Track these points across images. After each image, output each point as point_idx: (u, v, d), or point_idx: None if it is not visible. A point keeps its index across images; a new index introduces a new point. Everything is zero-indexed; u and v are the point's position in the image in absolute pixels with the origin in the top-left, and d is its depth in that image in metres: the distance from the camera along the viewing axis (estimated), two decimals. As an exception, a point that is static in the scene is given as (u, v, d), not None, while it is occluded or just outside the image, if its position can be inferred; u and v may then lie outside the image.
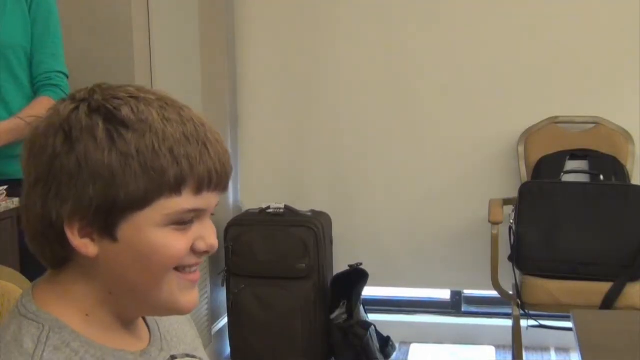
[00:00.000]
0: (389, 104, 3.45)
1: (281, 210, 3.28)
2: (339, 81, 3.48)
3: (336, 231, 3.43)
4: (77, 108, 0.90)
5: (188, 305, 0.96)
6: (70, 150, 0.88)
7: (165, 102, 0.92)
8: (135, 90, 0.92)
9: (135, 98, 0.91)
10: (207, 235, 0.94)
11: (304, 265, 3.17)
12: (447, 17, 3.38)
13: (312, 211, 3.35)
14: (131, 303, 0.95)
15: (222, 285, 3.32)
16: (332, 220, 3.42)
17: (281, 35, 3.51)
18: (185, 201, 0.90)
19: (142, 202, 0.88)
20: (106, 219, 0.89)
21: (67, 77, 2.26)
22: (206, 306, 3.19)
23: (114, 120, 0.88)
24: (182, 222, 0.91)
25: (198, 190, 0.91)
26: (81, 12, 2.51)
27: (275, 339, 3.21)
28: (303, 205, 3.38)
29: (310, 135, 3.53)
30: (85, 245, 0.90)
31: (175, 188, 0.89)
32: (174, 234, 0.91)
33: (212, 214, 0.96)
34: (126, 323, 0.97)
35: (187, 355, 1.05)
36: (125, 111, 0.89)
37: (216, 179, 0.92)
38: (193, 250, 0.93)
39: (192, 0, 3.00)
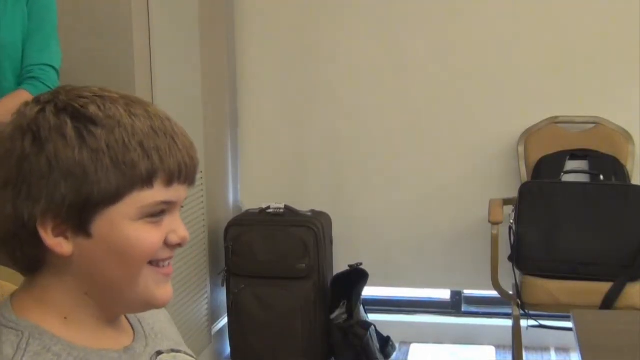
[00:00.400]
0: (389, 104, 3.45)
1: (281, 210, 3.28)
2: (339, 81, 3.48)
3: (336, 231, 3.43)
4: (43, 109, 0.90)
5: (163, 299, 0.97)
6: (40, 150, 0.88)
7: (130, 100, 0.93)
8: (98, 90, 0.94)
9: (100, 97, 0.92)
10: (179, 228, 0.95)
11: (304, 265, 3.17)
12: (447, 17, 3.37)
13: (312, 211, 3.35)
14: (108, 301, 0.95)
15: (222, 285, 3.32)
16: (332, 220, 3.42)
17: (281, 35, 3.51)
18: (157, 194, 0.91)
19: (115, 196, 0.89)
20: (80, 216, 0.89)
21: (55, 70, 2.20)
22: (206, 306, 3.19)
23: (82, 118, 0.89)
24: (154, 214, 0.92)
25: (169, 182, 0.92)
26: (81, 12, 2.51)
27: (275, 339, 3.21)
28: (303, 205, 3.38)
29: (310, 135, 3.53)
30: (59, 244, 0.90)
31: (147, 181, 0.90)
32: (147, 228, 0.92)
33: (181, 206, 0.98)
34: (107, 323, 0.97)
35: (173, 350, 1.05)
36: (93, 109, 0.90)
37: (185, 171, 0.93)
38: (166, 244, 0.95)
39: (192, 0, 3.00)
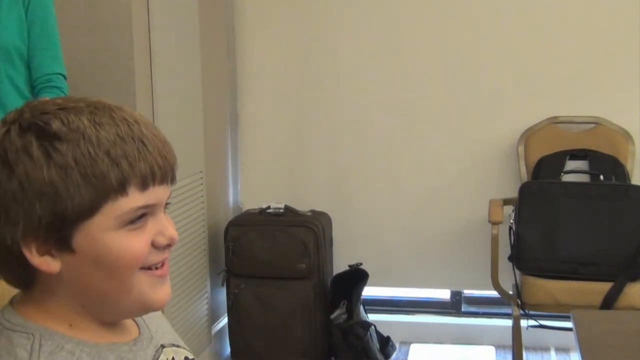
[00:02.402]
0: (389, 104, 3.45)
1: (281, 210, 3.28)
2: (339, 81, 3.48)
3: (336, 231, 3.43)
4: (8, 131, 0.89)
5: (161, 301, 0.96)
6: (10, 173, 0.88)
7: (95, 107, 0.92)
8: (63, 101, 0.92)
9: (64, 109, 0.90)
10: (165, 229, 0.94)
11: (304, 265, 3.17)
12: (447, 17, 3.37)
13: (312, 211, 3.35)
14: (105, 311, 0.95)
15: (222, 285, 3.32)
16: (332, 220, 3.42)
17: (281, 35, 3.51)
18: (132, 200, 0.90)
19: (89, 210, 0.88)
20: (59, 234, 0.89)
21: (65, 78, 2.26)
22: (206, 306, 3.19)
23: (46, 135, 0.88)
24: (134, 220, 0.91)
25: (144, 186, 0.90)
26: (81, 12, 2.51)
27: (275, 339, 3.21)
28: (303, 205, 3.38)
29: (310, 136, 3.53)
30: (46, 263, 0.90)
31: (120, 190, 0.89)
32: (129, 235, 0.91)
33: (168, 203, 0.96)
34: (111, 325, 0.98)
35: (173, 345, 1.06)
36: (56, 124, 0.88)
37: (160, 173, 0.92)
38: (155, 247, 0.93)
39: (192, 1, 3.00)
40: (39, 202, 0.87)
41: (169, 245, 0.95)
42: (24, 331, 0.91)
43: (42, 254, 0.89)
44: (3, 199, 0.88)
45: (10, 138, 0.89)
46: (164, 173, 0.93)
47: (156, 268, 0.95)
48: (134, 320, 1.04)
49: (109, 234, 0.89)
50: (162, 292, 0.96)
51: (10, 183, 0.87)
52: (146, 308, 0.97)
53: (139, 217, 0.91)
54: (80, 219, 0.88)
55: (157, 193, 0.92)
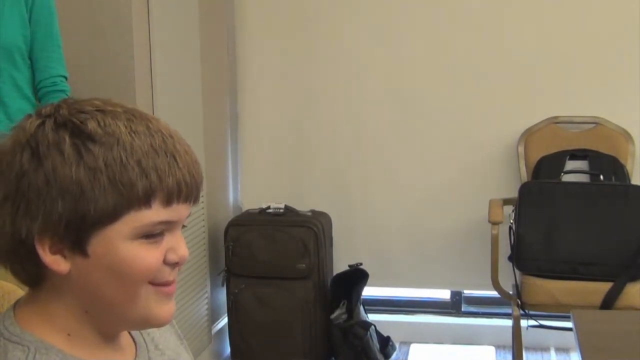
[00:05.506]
0: (389, 104, 3.45)
1: (281, 210, 3.28)
2: (338, 81, 3.48)
3: (336, 231, 3.43)
4: (43, 124, 0.89)
5: (164, 318, 0.96)
6: (38, 166, 0.87)
7: (132, 115, 0.91)
8: (101, 103, 0.91)
9: (102, 111, 0.90)
10: (178, 247, 0.93)
11: (304, 265, 3.17)
12: (447, 17, 3.37)
13: (312, 211, 3.35)
14: (108, 320, 0.94)
15: (222, 285, 3.32)
16: (332, 220, 3.42)
17: (281, 35, 3.51)
18: (155, 214, 0.89)
19: (111, 216, 0.87)
20: (76, 235, 0.88)
21: (67, 79, 2.27)
22: (206, 306, 3.19)
23: (80, 135, 0.87)
24: (152, 234, 0.90)
25: (168, 202, 0.90)
26: (81, 12, 2.51)
27: (275, 339, 3.21)
28: (303, 205, 3.38)
29: (310, 136, 3.53)
30: (56, 262, 0.89)
31: (145, 201, 0.88)
32: (145, 247, 0.90)
33: (184, 226, 0.96)
34: (110, 338, 0.97)
35: None
36: (92, 125, 0.88)
37: (186, 191, 0.91)
38: (165, 263, 0.93)
39: (192, 1, 3.00)
40: (62, 199, 0.86)
41: (177, 264, 0.94)
42: (20, 343, 0.89)
43: (54, 252, 0.89)
44: (26, 190, 0.87)
45: (44, 131, 0.88)
46: (189, 191, 0.92)
47: (165, 285, 0.94)
48: (134, 340, 1.03)
49: (125, 242, 0.89)
50: (167, 309, 0.96)
51: (36, 176, 0.86)
52: (149, 322, 0.96)
53: (157, 233, 0.91)
54: (100, 224, 0.87)
55: (180, 210, 0.92)
